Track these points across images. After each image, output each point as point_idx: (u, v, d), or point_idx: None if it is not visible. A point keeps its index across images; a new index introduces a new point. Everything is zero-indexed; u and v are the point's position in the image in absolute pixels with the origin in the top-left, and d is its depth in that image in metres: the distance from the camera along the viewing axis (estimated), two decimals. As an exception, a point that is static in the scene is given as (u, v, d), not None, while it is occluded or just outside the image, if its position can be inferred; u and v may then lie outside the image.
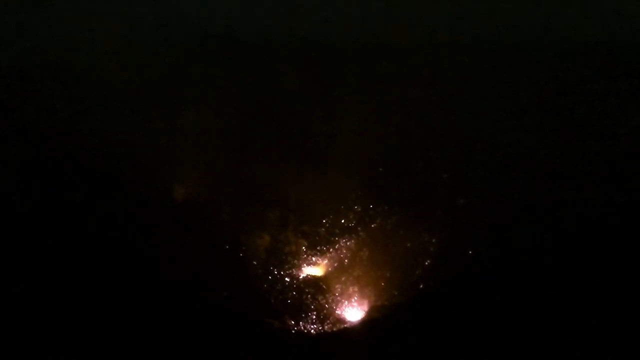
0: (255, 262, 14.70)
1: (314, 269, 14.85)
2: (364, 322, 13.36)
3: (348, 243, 15.29)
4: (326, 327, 13.41)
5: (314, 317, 13.55)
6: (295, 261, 14.90)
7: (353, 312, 13.82)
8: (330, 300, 13.96)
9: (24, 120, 21.36)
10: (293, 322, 13.35)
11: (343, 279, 14.42)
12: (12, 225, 15.23)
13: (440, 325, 12.42)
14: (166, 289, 13.32)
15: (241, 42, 30.51)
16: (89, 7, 35.99)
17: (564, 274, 13.50)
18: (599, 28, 31.11)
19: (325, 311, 13.72)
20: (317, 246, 15.28)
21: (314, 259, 15.05)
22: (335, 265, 14.85)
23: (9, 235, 14.80)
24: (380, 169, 17.72)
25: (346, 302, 14.00)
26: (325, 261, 15.01)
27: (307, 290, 14.11)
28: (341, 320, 13.60)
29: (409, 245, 14.85)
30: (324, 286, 14.26)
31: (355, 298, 14.05)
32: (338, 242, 15.34)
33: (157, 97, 22.89)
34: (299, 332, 13.21)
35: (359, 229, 15.60)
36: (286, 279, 14.38)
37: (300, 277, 14.53)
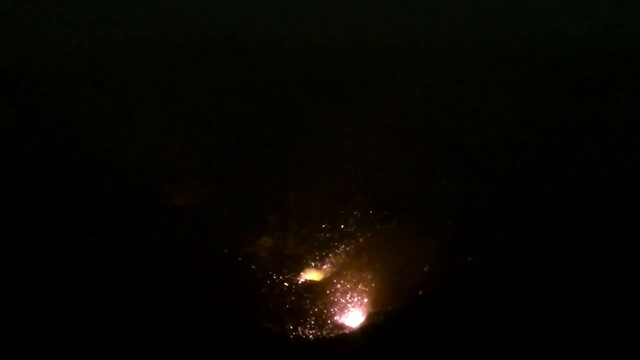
0: (254, 267, 14.69)
1: (313, 274, 14.85)
2: (363, 328, 13.36)
3: (347, 248, 15.29)
4: (325, 332, 13.40)
5: (313, 322, 13.54)
6: (294, 266, 14.88)
7: (352, 317, 13.80)
8: (329, 306, 13.95)
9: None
10: (291, 327, 13.34)
11: (342, 284, 14.41)
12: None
13: (439, 332, 12.44)
14: (165, 293, 13.31)
15: (242, 46, 30.50)
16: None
17: (565, 281, 13.53)
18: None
19: (324, 316, 13.71)
20: (317, 251, 15.29)
21: (313, 263, 15.05)
22: (335, 270, 14.84)
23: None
24: (380, 175, 17.73)
25: (345, 307, 13.99)
26: (325, 266, 15.00)
27: (306, 295, 14.10)
28: (340, 326, 13.59)
29: (408, 251, 14.86)
30: (323, 291, 14.25)
31: (354, 304, 14.04)
32: (337, 247, 15.34)
33: (156, 99, 22.86)
34: (298, 337, 13.20)
35: (358, 234, 15.60)
36: (285, 283, 14.36)
37: (300, 282, 14.52)
